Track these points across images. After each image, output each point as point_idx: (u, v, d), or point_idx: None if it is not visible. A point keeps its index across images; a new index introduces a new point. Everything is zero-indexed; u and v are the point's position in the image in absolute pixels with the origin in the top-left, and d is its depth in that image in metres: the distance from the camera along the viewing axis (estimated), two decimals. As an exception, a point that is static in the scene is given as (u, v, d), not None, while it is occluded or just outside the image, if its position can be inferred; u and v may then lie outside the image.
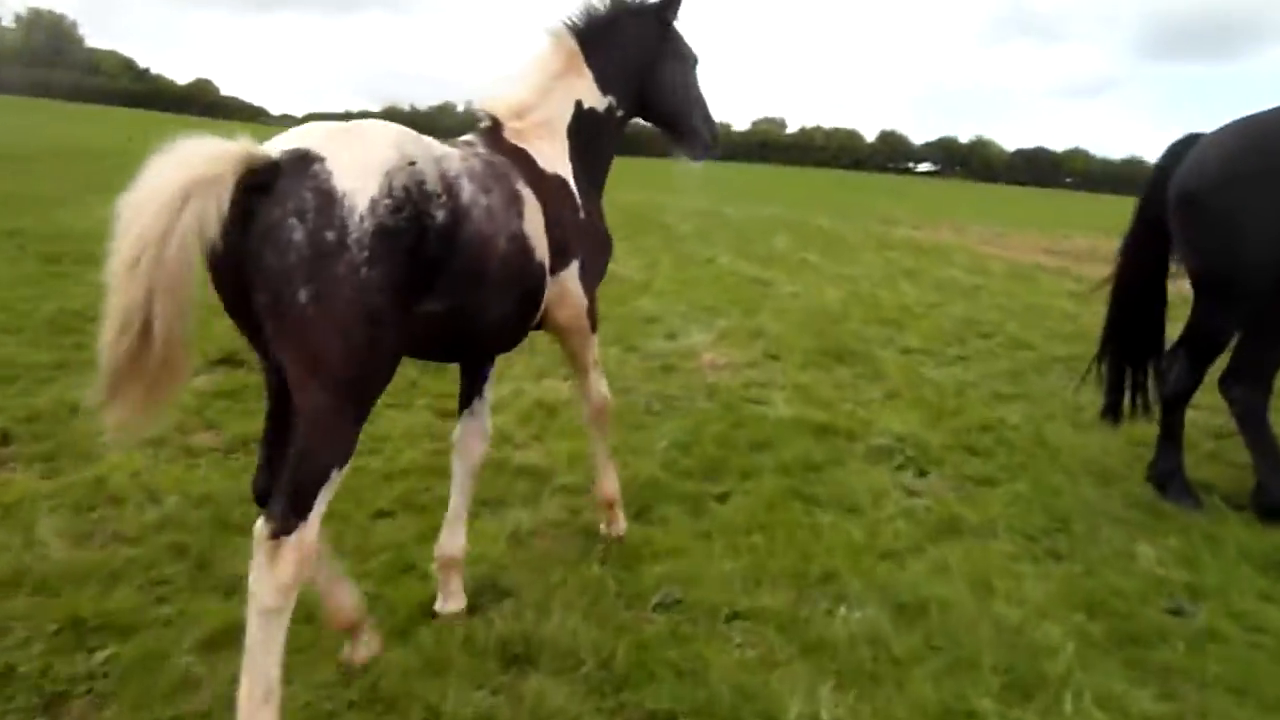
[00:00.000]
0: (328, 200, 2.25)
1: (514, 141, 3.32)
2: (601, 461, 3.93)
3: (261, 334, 2.34)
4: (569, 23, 3.64)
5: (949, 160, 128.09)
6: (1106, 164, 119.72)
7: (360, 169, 2.33)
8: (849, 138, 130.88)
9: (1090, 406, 6.37)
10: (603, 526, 4.01)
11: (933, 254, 16.23)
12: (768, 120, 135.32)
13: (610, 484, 3.95)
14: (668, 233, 16.68)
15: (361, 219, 2.26)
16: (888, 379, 7.02)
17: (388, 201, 2.32)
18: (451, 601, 3.34)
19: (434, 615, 3.29)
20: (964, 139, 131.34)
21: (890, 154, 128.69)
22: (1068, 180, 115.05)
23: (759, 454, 5.11)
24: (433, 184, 2.49)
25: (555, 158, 3.43)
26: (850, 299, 10.53)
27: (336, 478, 2.40)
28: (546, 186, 3.23)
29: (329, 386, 2.31)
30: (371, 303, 2.29)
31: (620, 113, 3.81)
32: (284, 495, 2.35)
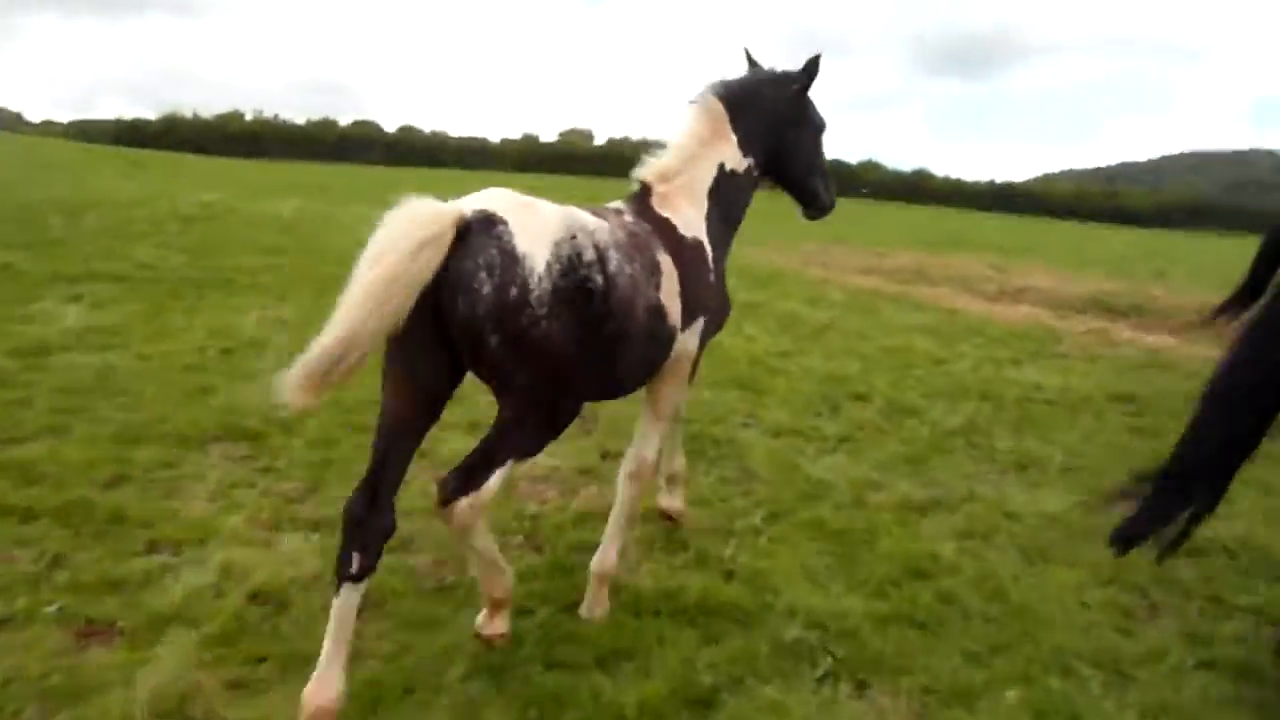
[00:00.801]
0: (511, 259, 2.68)
1: (659, 209, 3.60)
2: (613, 529, 3.67)
3: (417, 349, 2.74)
4: (717, 89, 3.88)
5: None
6: (898, 174, 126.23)
7: (536, 236, 2.76)
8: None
9: (1026, 513, 4.92)
10: (583, 607, 3.61)
11: (768, 282, 14.89)
12: (575, 131, 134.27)
13: (610, 558, 3.62)
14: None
15: (540, 279, 2.70)
16: (763, 481, 5.31)
17: (558, 266, 2.75)
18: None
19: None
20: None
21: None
22: (864, 190, 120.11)
23: (615, 675, 3.22)
24: (589, 255, 2.87)
25: (695, 222, 3.69)
26: (692, 349, 8.83)
27: (509, 467, 2.87)
28: (685, 253, 3.52)
29: (516, 404, 2.85)
30: (551, 346, 2.74)
31: (757, 172, 4.03)
32: (460, 472, 2.83)
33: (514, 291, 2.65)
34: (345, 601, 2.74)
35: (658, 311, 3.24)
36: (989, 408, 7.39)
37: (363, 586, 2.79)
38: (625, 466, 3.71)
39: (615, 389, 3.38)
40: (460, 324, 2.67)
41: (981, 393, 7.86)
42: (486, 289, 2.62)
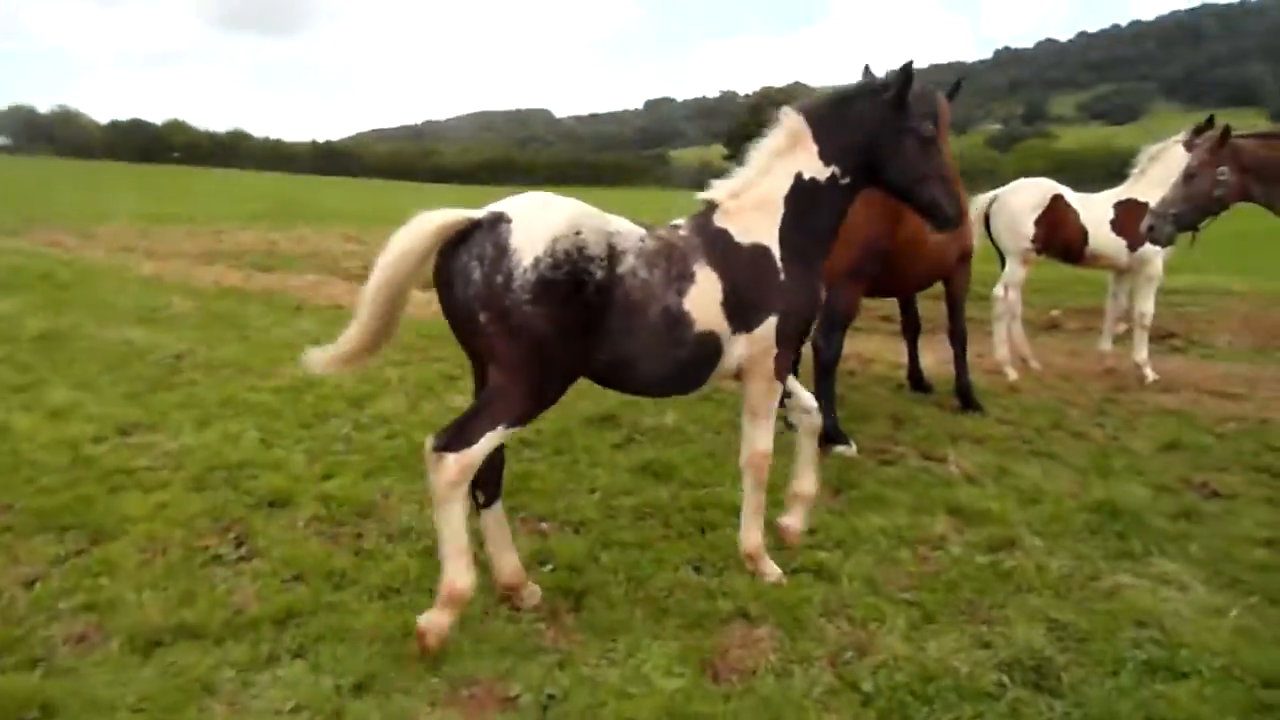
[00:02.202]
0: (501, 252, 3.13)
1: (719, 223, 3.79)
2: (748, 513, 4.05)
3: (462, 331, 3.33)
4: (800, 104, 4.01)
5: (30, 134, 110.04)
6: (213, 136, 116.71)
7: (534, 232, 3.15)
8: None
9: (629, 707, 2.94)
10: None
11: (68, 295, 10.72)
12: None
13: (753, 537, 4.04)
14: None
15: (526, 270, 3.10)
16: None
17: (549, 260, 3.12)
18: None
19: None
20: (44, 109, 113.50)
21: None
22: (175, 155, 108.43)
23: None
24: (594, 250, 3.22)
25: (758, 228, 3.82)
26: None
27: (503, 431, 3.22)
28: (738, 258, 3.72)
29: (503, 375, 3.21)
30: (532, 328, 3.12)
31: (845, 180, 3.99)
32: (455, 425, 3.22)
33: (499, 279, 3.09)
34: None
35: (677, 317, 3.49)
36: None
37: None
38: (742, 459, 4.02)
39: (642, 383, 3.61)
40: (458, 304, 3.19)
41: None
42: (476, 275, 3.12)
